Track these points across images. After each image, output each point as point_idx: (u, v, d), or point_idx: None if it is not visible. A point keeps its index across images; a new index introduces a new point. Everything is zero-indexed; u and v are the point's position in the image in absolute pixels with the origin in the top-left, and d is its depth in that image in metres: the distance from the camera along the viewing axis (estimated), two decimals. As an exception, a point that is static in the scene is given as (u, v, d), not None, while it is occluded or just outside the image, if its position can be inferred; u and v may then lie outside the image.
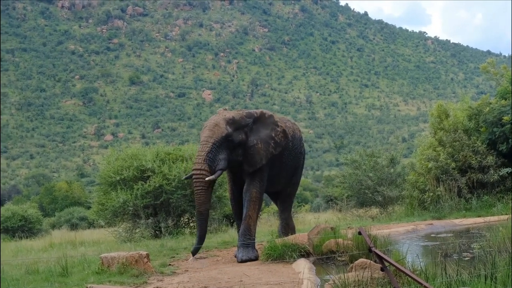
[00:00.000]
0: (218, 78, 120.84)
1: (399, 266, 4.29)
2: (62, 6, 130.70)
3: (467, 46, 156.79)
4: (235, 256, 7.24)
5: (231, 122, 7.18)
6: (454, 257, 6.04)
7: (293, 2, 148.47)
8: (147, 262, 6.44)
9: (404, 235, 8.69)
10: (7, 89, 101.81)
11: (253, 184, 7.36)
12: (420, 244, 7.87)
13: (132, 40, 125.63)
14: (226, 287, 5.30)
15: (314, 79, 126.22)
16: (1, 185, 55.42)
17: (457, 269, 4.50)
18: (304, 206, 26.53)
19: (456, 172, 12.16)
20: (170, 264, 7.28)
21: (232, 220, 13.74)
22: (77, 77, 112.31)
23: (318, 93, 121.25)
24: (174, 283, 5.60)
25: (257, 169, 7.34)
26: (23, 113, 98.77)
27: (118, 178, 11.99)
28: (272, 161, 7.56)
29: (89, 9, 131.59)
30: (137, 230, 12.16)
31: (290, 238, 7.12)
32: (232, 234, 11.13)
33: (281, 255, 6.76)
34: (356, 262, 5.18)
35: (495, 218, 9.49)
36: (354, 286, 4.54)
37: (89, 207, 18.24)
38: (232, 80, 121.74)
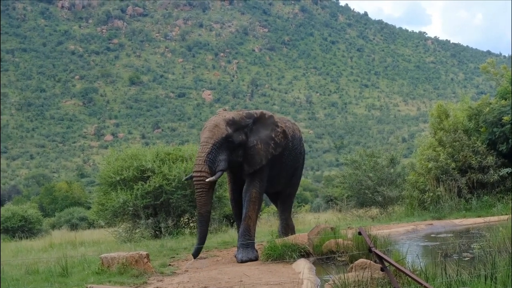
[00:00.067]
0: (218, 78, 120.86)
1: (399, 266, 4.29)
2: (62, 6, 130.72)
3: (467, 46, 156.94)
4: (235, 257, 7.24)
5: (231, 123, 7.16)
6: (454, 257, 6.04)
7: (293, 2, 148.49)
8: (147, 262, 6.44)
9: (404, 235, 8.69)
10: (7, 89, 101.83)
11: (253, 184, 7.36)
12: (420, 244, 7.87)
13: (132, 40, 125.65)
14: (226, 287, 5.30)
15: (314, 79, 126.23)
16: (1, 185, 55.42)
17: (457, 269, 4.50)
18: (304, 206, 26.52)
19: (456, 172, 12.16)
20: (170, 264, 7.28)
21: (232, 220, 13.74)
22: (77, 77, 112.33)
23: (318, 93, 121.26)
24: (174, 283, 5.60)
25: (257, 170, 7.34)
26: (23, 113, 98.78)
27: (118, 178, 11.99)
28: (272, 162, 7.56)
29: (89, 9, 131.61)
30: (137, 230, 12.16)
31: (290, 238, 7.12)
32: (232, 234, 11.13)
33: (281, 255, 6.76)
34: (356, 262, 5.18)
35: (495, 218, 9.50)
36: (354, 286, 4.54)
37: (89, 207, 18.22)
38: (232, 80, 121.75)
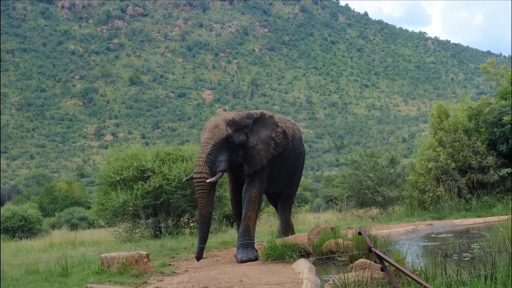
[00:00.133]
0: (218, 78, 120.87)
1: (399, 266, 4.30)
2: (62, 6, 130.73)
3: (467, 46, 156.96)
4: (235, 257, 7.23)
5: (231, 123, 7.13)
6: (454, 257, 6.04)
7: (293, 2, 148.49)
8: (147, 262, 6.44)
9: (404, 235, 8.69)
10: (7, 89, 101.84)
11: (253, 184, 7.35)
12: (420, 244, 7.88)
13: (132, 40, 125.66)
14: (226, 287, 5.30)
15: (314, 79, 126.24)
16: (1, 185, 55.43)
17: (457, 269, 4.50)
18: (304, 206, 26.53)
19: (456, 172, 12.16)
20: (170, 264, 7.28)
21: (232, 220, 13.75)
22: (77, 77, 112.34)
23: (318, 93, 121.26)
24: (174, 283, 5.60)
25: (258, 170, 7.33)
26: (23, 113, 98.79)
27: (118, 178, 11.99)
28: (272, 162, 7.55)
29: (89, 9, 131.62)
30: (137, 230, 12.16)
31: (290, 238, 7.12)
32: (232, 234, 11.14)
33: (281, 255, 6.76)
34: (356, 262, 5.18)
35: (495, 218, 9.50)
36: (354, 286, 4.54)
37: (89, 207, 18.23)
38: (232, 80, 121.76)
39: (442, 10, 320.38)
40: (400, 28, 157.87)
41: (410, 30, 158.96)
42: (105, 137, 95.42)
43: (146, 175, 11.96)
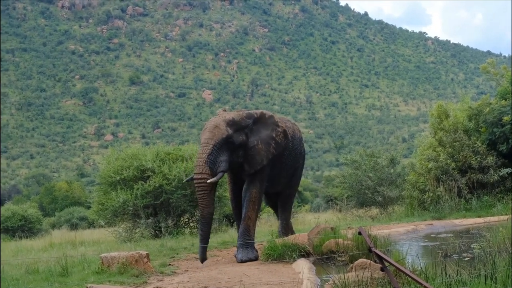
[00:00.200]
0: (218, 78, 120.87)
1: (399, 266, 4.30)
2: (62, 6, 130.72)
3: (467, 46, 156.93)
4: (235, 257, 7.23)
5: (231, 123, 7.11)
6: (454, 257, 6.04)
7: (293, 2, 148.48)
8: (147, 262, 6.44)
9: (404, 235, 8.69)
10: (7, 89, 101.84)
11: (253, 184, 7.34)
12: (420, 244, 7.88)
13: (132, 40, 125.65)
14: (226, 287, 5.30)
15: (314, 79, 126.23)
16: (1, 185, 55.42)
17: (457, 269, 4.50)
18: (304, 206, 26.54)
19: (456, 172, 12.16)
20: (170, 264, 7.28)
21: (232, 220, 13.75)
22: (77, 77, 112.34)
23: (318, 93, 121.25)
24: (174, 283, 5.60)
25: (258, 170, 7.32)
26: (23, 113, 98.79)
27: (118, 178, 12.00)
28: (273, 162, 7.54)
29: (89, 9, 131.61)
30: (137, 230, 12.16)
31: (290, 238, 7.12)
32: (232, 234, 11.14)
33: (281, 255, 6.76)
34: (356, 262, 5.18)
35: (495, 218, 9.49)
36: (354, 286, 4.54)
37: (89, 207, 18.24)
38: (232, 80, 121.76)
39: (442, 10, 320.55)
40: (400, 28, 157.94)
41: (410, 30, 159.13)
42: (105, 137, 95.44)
43: (146, 175, 11.97)
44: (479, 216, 10.42)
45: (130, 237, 11.91)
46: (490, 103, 12.55)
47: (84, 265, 7.11)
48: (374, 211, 14.32)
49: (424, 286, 3.94)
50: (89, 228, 21.80)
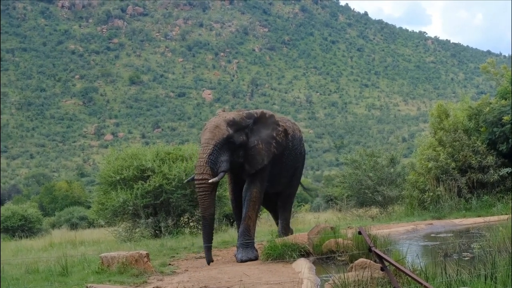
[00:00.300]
0: (218, 78, 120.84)
1: (399, 266, 4.30)
2: (62, 6, 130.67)
3: (467, 46, 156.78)
4: (235, 256, 7.23)
5: (231, 123, 7.09)
6: (454, 257, 6.04)
7: (293, 2, 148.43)
8: (147, 261, 6.44)
9: (404, 235, 8.69)
10: (7, 89, 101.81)
11: (254, 184, 7.34)
12: (420, 244, 7.87)
13: (132, 40, 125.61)
14: (226, 287, 5.30)
15: (314, 79, 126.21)
16: (1, 184, 55.42)
17: (457, 269, 4.50)
18: (304, 205, 26.54)
19: (456, 172, 12.15)
20: (170, 264, 7.28)
21: (232, 220, 13.75)
22: (77, 76, 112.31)
23: (318, 93, 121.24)
24: (174, 283, 5.60)
25: (259, 170, 7.31)
26: (23, 112, 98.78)
27: (118, 177, 12.00)
28: (273, 161, 7.53)
29: (89, 9, 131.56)
30: (137, 230, 12.17)
31: (290, 238, 7.13)
32: (232, 233, 11.15)
33: (281, 254, 6.76)
34: (356, 261, 5.18)
35: (495, 218, 9.48)
36: (354, 285, 4.54)
37: (89, 207, 18.22)
38: (232, 80, 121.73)
39: (442, 10, 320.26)
40: (400, 28, 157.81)
41: (410, 30, 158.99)
42: (105, 136, 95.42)
43: (146, 174, 11.97)
44: (479, 216, 10.42)
45: (130, 236, 11.91)
46: (490, 103, 12.54)
47: (84, 264, 7.11)
48: (374, 210, 14.32)
49: (424, 286, 3.94)
50: (89, 227, 21.80)
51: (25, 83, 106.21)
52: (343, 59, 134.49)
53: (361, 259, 5.19)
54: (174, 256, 8.04)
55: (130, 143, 54.83)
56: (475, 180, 12.08)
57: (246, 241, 7.15)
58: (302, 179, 9.70)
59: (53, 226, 25.73)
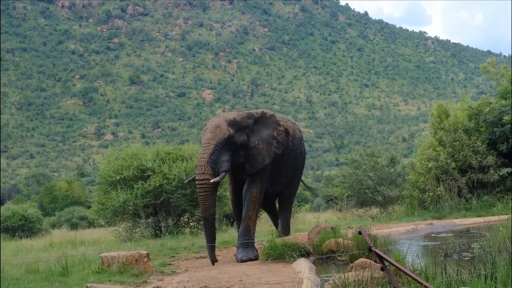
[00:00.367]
0: (218, 77, 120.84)
1: (399, 266, 4.30)
2: (62, 6, 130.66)
3: (467, 46, 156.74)
4: (235, 256, 7.23)
5: (232, 123, 7.07)
6: (454, 257, 6.04)
7: (293, 2, 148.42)
8: (147, 261, 6.44)
9: (404, 235, 8.68)
10: (7, 89, 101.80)
11: (254, 184, 7.34)
12: (420, 244, 7.87)
13: (132, 39, 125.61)
14: (226, 287, 5.30)
15: (314, 79, 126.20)
16: (1, 184, 55.42)
17: (457, 269, 4.50)
18: (304, 205, 26.55)
19: (456, 172, 12.15)
20: (170, 264, 7.29)
21: (232, 220, 13.75)
22: (77, 76, 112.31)
23: (318, 93, 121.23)
24: (174, 283, 5.60)
25: (259, 170, 7.31)
26: (23, 112, 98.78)
27: (118, 177, 12.00)
28: (273, 161, 7.53)
29: (89, 9, 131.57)
30: (137, 230, 12.17)
31: (290, 238, 7.13)
32: (232, 233, 11.15)
33: (281, 254, 6.77)
34: (356, 261, 5.17)
35: (495, 218, 9.48)
36: (354, 285, 4.54)
37: (89, 207, 18.23)
38: (232, 80, 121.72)
39: (442, 10, 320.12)
40: (400, 28, 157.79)
41: (410, 30, 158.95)
42: (105, 136, 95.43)
43: (146, 174, 11.97)
44: (479, 216, 10.41)
45: (130, 236, 11.92)
46: (490, 103, 12.54)
47: (84, 264, 7.11)
48: (374, 210, 14.32)
49: (424, 286, 3.94)
50: (89, 227, 21.80)
51: (25, 83, 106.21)
52: (343, 59, 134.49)
53: (361, 259, 5.18)
54: (174, 256, 8.04)
55: (130, 143, 54.83)
56: (475, 180, 12.07)
57: (246, 241, 7.15)
58: (303, 179, 9.69)
59: (53, 226, 25.73)
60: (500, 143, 11.97)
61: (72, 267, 6.96)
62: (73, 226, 23.41)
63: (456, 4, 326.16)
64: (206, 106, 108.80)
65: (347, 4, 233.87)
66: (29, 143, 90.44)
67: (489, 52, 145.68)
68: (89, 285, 5.42)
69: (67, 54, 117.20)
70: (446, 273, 4.48)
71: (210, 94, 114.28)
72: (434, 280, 4.39)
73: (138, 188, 11.69)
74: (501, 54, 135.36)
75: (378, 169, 14.04)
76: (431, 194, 12.17)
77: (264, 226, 13.20)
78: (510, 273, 4.32)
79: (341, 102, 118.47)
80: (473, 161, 12.05)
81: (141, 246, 9.34)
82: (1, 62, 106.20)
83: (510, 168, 11.78)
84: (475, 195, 11.94)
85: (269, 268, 6.37)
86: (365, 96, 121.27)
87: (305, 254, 6.85)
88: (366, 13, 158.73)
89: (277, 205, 9.29)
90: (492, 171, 11.92)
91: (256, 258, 7.07)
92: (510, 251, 5.31)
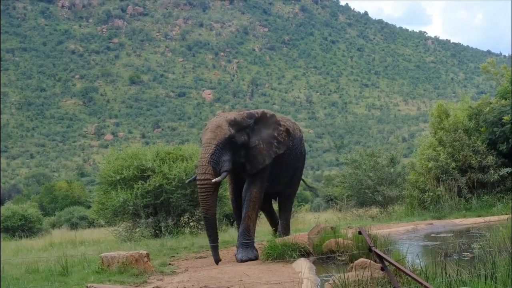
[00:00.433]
0: (218, 77, 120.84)
1: (399, 266, 4.29)
2: (62, 6, 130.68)
3: (467, 46, 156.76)
4: (235, 256, 7.23)
5: (233, 123, 7.07)
6: (454, 257, 6.04)
7: (293, 2, 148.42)
8: (147, 261, 6.44)
9: (404, 235, 8.68)
10: (7, 89, 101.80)
11: (254, 184, 7.33)
12: (420, 244, 7.87)
13: (132, 39, 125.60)
14: (226, 287, 5.30)
15: (314, 78, 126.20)
16: (1, 184, 55.42)
17: (457, 269, 4.50)
18: (304, 205, 26.54)
19: (456, 172, 12.15)
20: (170, 264, 7.28)
21: (232, 220, 13.75)
22: (77, 76, 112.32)
23: (318, 93, 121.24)
24: (174, 283, 5.60)
25: (259, 170, 7.31)
26: (23, 112, 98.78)
27: (118, 177, 11.99)
28: (274, 161, 7.52)
29: (89, 9, 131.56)
30: (137, 230, 12.16)
31: (290, 238, 7.13)
32: (232, 233, 11.14)
33: (281, 254, 6.76)
34: (356, 261, 5.17)
35: (495, 218, 9.48)
36: (354, 285, 4.54)
37: (89, 207, 18.22)
38: (232, 80, 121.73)
39: (442, 10, 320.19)
40: (400, 28, 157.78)
41: (410, 30, 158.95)
42: (105, 136, 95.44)
43: (146, 174, 11.96)
44: (479, 216, 10.41)
45: (130, 236, 11.91)
46: (490, 103, 12.54)
47: (84, 264, 7.11)
48: (374, 210, 14.32)
49: (424, 286, 3.94)
50: (89, 227, 21.79)
51: (25, 83, 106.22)
52: (343, 59, 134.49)
53: (361, 259, 5.18)
54: (174, 256, 8.04)
55: (130, 143, 54.83)
56: (475, 180, 12.08)
57: (246, 241, 7.15)
58: (304, 179, 9.70)
59: (53, 226, 25.72)
60: (500, 143, 11.97)
61: (72, 267, 6.96)
62: (73, 226, 23.41)
63: (456, 4, 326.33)
64: (206, 106, 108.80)
65: (347, 4, 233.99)
66: (29, 143, 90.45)
67: (489, 52, 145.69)
68: (89, 285, 5.42)
69: (67, 54, 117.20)
70: (446, 273, 4.48)
71: (210, 94, 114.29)
72: (434, 280, 4.39)
73: (138, 188, 11.68)
74: (501, 54, 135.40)
75: (378, 169, 14.04)
76: (431, 194, 12.17)
77: (264, 226, 13.19)
78: (510, 273, 4.32)
79: (341, 102, 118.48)
80: (473, 161, 12.05)
81: (141, 246, 9.34)
82: (1, 62, 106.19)
83: (510, 168, 11.78)
84: (475, 195, 11.94)
85: (269, 268, 6.37)
86: (365, 96, 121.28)
87: (305, 254, 6.85)
88: (366, 13, 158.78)
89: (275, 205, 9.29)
90: (492, 171, 11.92)
91: (256, 258, 7.07)
92: (510, 251, 5.31)
